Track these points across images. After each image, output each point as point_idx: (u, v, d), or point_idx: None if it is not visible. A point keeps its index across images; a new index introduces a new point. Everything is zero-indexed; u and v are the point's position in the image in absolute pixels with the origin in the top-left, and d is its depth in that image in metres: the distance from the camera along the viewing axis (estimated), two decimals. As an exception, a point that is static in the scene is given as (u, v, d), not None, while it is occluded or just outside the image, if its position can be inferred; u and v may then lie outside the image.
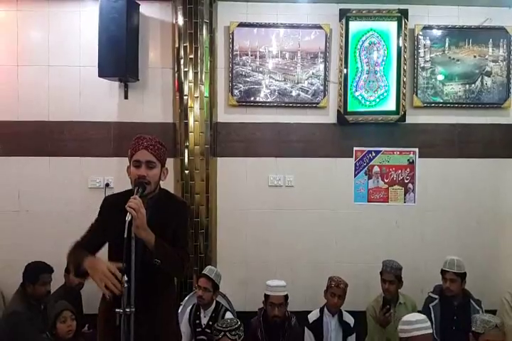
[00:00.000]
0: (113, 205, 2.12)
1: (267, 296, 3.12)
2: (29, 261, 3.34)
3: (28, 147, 3.87)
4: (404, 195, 4.01)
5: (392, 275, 3.31)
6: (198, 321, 3.20)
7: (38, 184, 3.88)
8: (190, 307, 3.30)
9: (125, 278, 1.86)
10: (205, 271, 3.25)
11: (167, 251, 2.03)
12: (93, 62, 3.67)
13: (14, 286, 3.38)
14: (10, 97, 3.84)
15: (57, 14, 3.87)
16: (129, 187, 2.12)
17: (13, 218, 3.88)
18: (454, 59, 3.95)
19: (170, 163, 3.77)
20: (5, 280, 3.74)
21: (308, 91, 3.90)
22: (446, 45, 3.94)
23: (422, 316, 2.26)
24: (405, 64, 3.87)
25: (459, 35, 3.94)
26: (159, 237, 2.04)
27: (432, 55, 3.94)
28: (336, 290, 3.24)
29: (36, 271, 3.22)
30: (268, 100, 3.90)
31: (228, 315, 3.24)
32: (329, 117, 3.95)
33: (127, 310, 1.87)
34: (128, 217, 1.85)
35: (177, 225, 2.17)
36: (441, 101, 3.96)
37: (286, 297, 3.11)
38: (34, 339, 2.92)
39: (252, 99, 3.90)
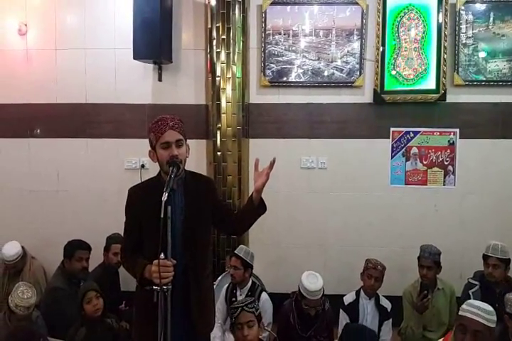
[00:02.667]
0: (140, 195, 2.12)
1: (302, 295, 2.91)
2: (69, 239, 3.46)
3: (67, 129, 3.99)
4: (444, 177, 3.86)
5: (430, 260, 3.20)
6: (234, 299, 3.21)
7: (76, 165, 4.01)
8: (227, 285, 3.33)
9: (162, 255, 1.87)
10: (236, 250, 3.26)
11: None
12: (128, 44, 3.70)
13: (54, 263, 3.53)
14: (49, 80, 3.96)
15: (92, -2, 3.94)
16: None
17: (52, 198, 4.04)
18: (498, 34, 3.74)
19: (202, 144, 3.84)
20: (46, 257, 3.91)
21: (342, 70, 3.80)
22: (491, 19, 3.73)
23: (490, 308, 2.16)
24: (446, 40, 3.69)
25: (504, 8, 3.71)
26: (195, 217, 2.08)
27: (474, 31, 3.74)
28: (372, 271, 3.16)
29: (73, 247, 3.35)
30: (301, 80, 3.83)
31: (264, 295, 3.23)
32: (365, 97, 3.84)
33: (165, 287, 1.90)
34: (164, 197, 1.84)
35: (215, 201, 2.22)
36: (484, 79, 3.76)
37: (322, 297, 2.94)
38: (73, 314, 3.00)
39: (285, 79, 3.84)
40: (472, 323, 2.06)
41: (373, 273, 3.16)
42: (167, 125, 2.00)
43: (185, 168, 2.11)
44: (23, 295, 2.77)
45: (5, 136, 4.04)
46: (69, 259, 3.33)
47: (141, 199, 2.09)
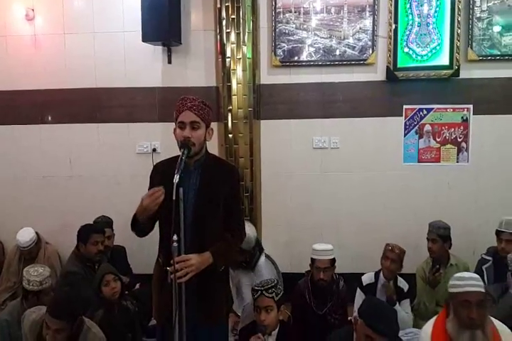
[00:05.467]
0: (162, 172, 2.12)
1: (313, 260, 3.06)
2: (83, 224, 3.48)
3: (77, 114, 3.98)
4: (457, 154, 3.83)
5: (434, 233, 3.25)
6: None
7: (88, 150, 4.02)
8: None
9: (175, 237, 1.88)
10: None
11: (225, 254, 2.11)
12: (136, 27, 3.66)
13: (69, 247, 3.55)
14: (58, 65, 3.94)
15: (99, -20, 3.87)
16: (176, 151, 2.06)
17: (65, 183, 4.06)
18: (514, 7, 3.66)
19: (214, 127, 3.66)
20: (61, 242, 3.96)
21: (355, 47, 3.74)
22: (506, -9, 3.64)
23: (476, 275, 2.17)
24: (459, 15, 3.62)
25: (520, -20, 3.63)
26: (205, 203, 2.06)
27: (489, 4, 3.65)
28: (389, 254, 3.10)
29: (87, 232, 3.36)
30: (312, 59, 3.78)
31: (262, 259, 3.34)
32: (377, 74, 3.79)
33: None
34: (175, 179, 1.84)
35: (229, 193, 2.13)
36: (499, 53, 3.68)
37: (332, 261, 3.04)
38: (89, 297, 3.02)
39: (296, 58, 3.79)
40: (476, 295, 2.04)
41: (390, 255, 3.10)
42: (185, 105, 2.03)
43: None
44: (35, 272, 2.76)
45: (16, 122, 4.04)
46: (84, 244, 3.34)
47: (160, 176, 2.10)
